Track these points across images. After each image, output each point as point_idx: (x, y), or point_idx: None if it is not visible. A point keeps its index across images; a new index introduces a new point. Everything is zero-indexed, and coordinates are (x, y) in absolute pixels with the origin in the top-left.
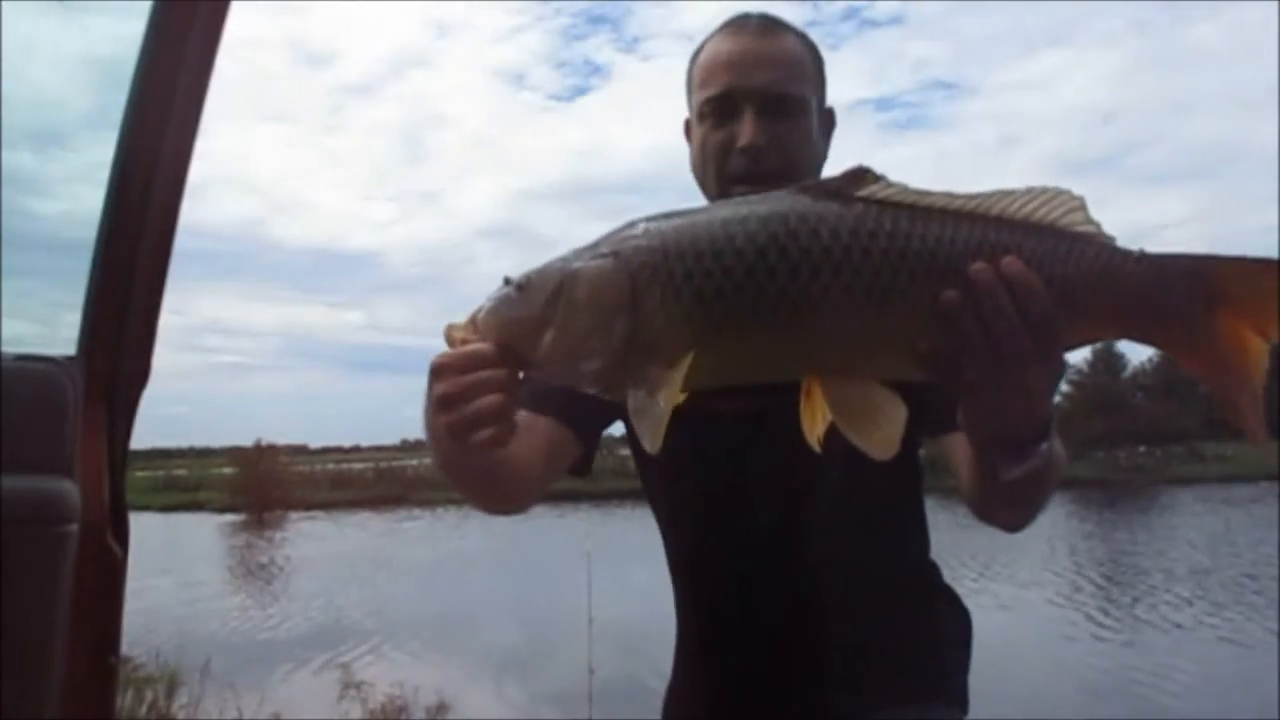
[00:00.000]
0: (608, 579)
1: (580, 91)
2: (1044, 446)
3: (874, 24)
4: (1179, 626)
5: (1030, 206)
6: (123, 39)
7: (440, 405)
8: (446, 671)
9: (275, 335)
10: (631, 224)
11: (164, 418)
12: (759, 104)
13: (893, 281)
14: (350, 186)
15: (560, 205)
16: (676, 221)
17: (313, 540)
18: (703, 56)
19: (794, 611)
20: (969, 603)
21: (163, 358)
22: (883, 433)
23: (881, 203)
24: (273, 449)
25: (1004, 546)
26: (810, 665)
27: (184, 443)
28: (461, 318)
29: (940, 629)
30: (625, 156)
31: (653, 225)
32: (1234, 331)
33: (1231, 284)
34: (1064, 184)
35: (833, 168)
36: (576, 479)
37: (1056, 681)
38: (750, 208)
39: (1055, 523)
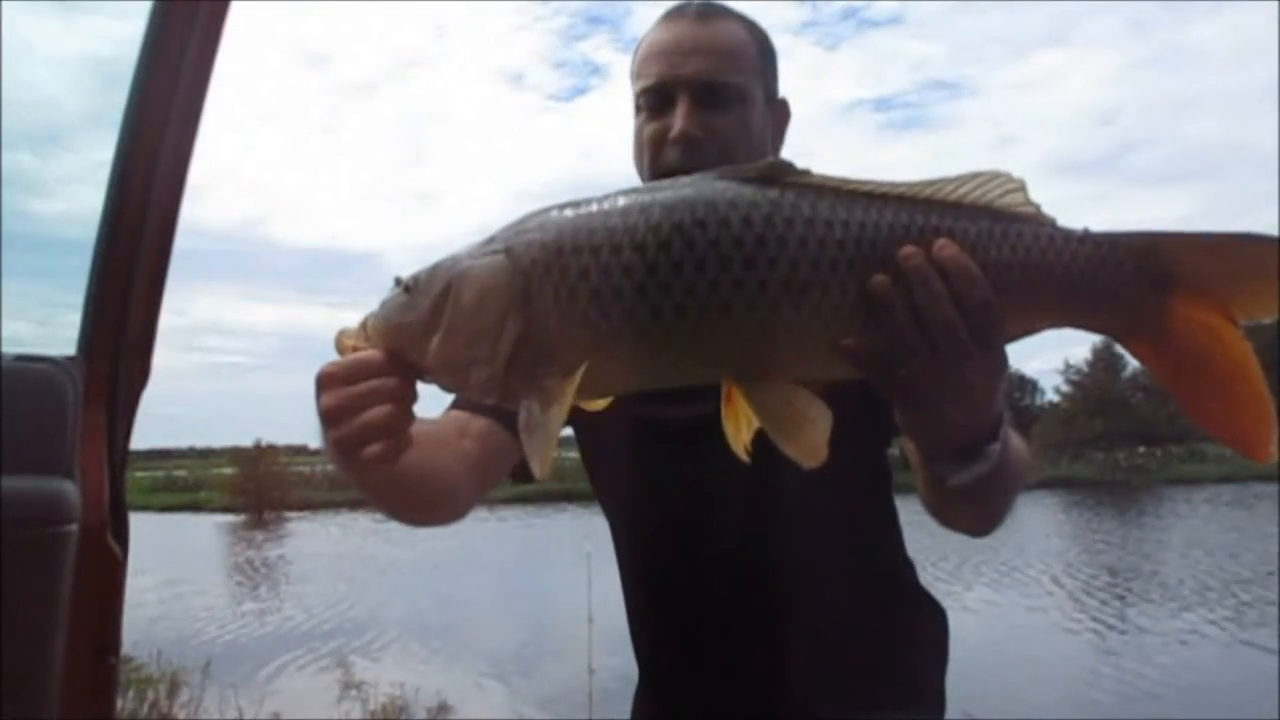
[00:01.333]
0: (608, 579)
1: (579, 92)
2: (993, 448)
3: (872, 24)
4: (1179, 627)
5: (965, 189)
6: (121, 39)
7: (325, 419)
8: (447, 672)
9: (274, 335)
10: (532, 214)
11: (164, 418)
12: (693, 93)
13: (813, 273)
14: (349, 186)
15: None
16: (577, 211)
17: (313, 540)
18: (642, 46)
19: (763, 620)
20: (967, 604)
21: (162, 358)
22: (808, 440)
23: (802, 186)
24: (272, 449)
25: (1002, 547)
26: (782, 673)
27: (184, 443)
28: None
29: (915, 632)
30: (624, 157)
31: (551, 216)
32: (1197, 318)
33: (1185, 261)
34: (1064, 184)
35: (830, 168)
36: (583, 479)
37: (1055, 682)
38: (654, 195)
39: (1055, 523)
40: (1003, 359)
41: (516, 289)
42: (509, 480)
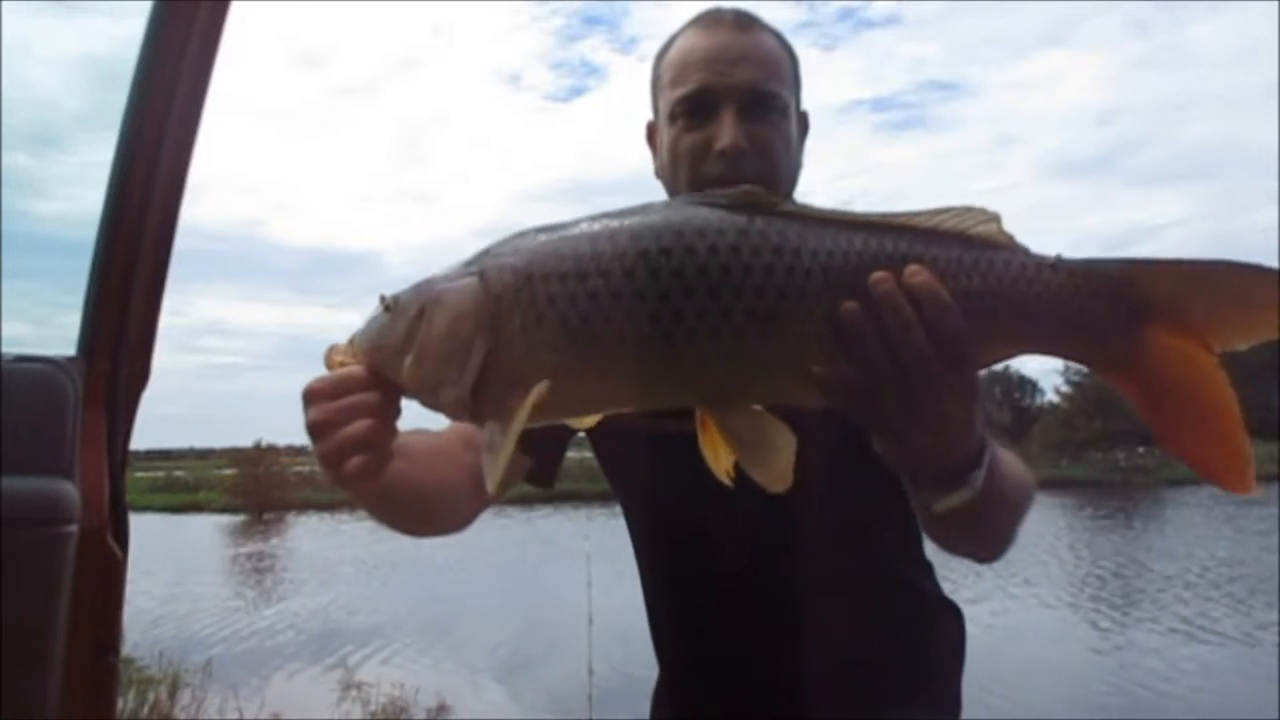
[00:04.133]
0: (608, 579)
1: (577, 92)
2: (976, 474)
3: (870, 24)
4: (1179, 627)
5: (939, 219)
6: (120, 39)
7: (311, 432)
8: (447, 672)
9: (273, 336)
10: (510, 237)
11: (164, 418)
12: (739, 103)
13: (779, 301)
14: (347, 187)
15: (557, 206)
16: (551, 236)
17: (313, 541)
18: (673, 53)
19: (781, 626)
20: (966, 605)
21: (162, 358)
22: (774, 465)
23: (772, 213)
24: (272, 450)
25: None
26: (801, 675)
27: (184, 443)
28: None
29: (932, 634)
30: (622, 157)
31: (525, 241)
32: (1174, 347)
33: (1161, 290)
34: (1062, 184)
35: (828, 167)
36: (587, 481)
37: (1055, 683)
38: (623, 221)
39: (1054, 523)
40: (975, 387)
41: (486, 313)
42: (523, 482)
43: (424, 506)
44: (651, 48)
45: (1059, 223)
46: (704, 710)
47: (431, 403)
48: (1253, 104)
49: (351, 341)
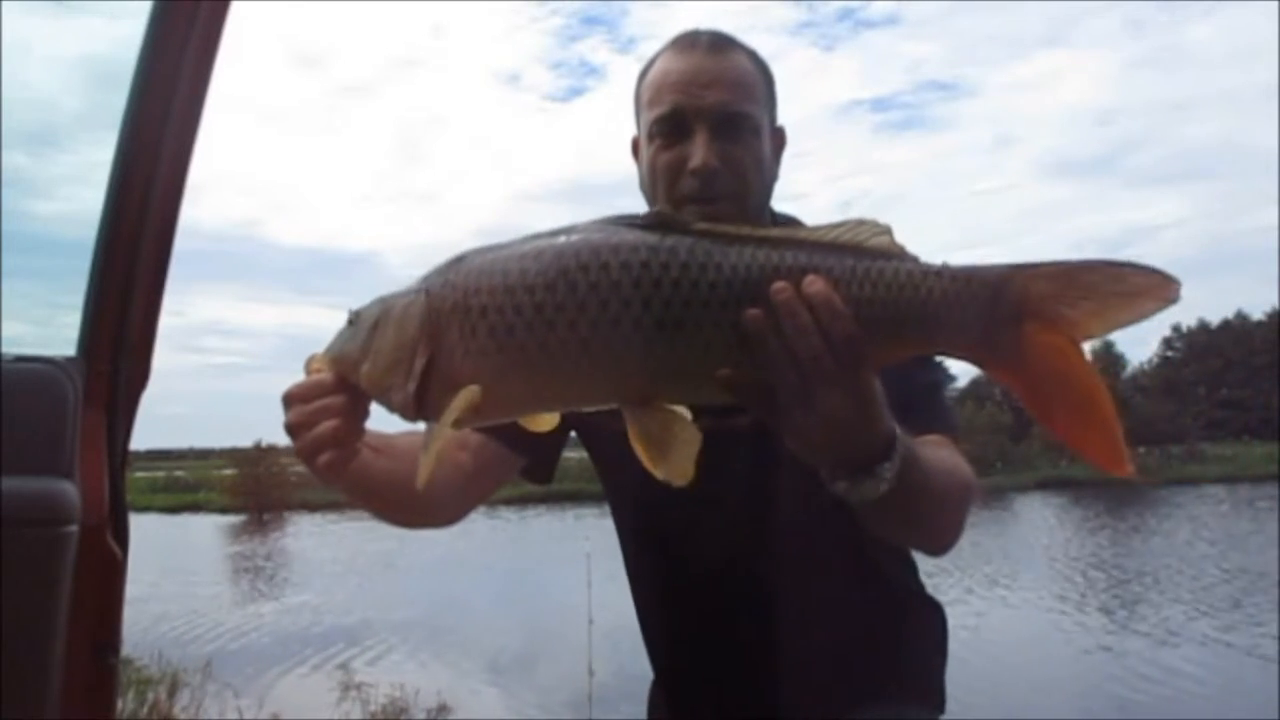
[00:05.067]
0: (608, 579)
1: (576, 92)
2: (884, 467)
3: (869, 24)
4: (1178, 628)
5: (837, 233)
6: (118, 39)
7: (288, 432)
8: (447, 672)
9: (273, 336)
10: (460, 255)
11: (164, 418)
12: (711, 124)
13: (685, 311)
14: (347, 187)
15: (556, 206)
16: (489, 256)
17: (313, 541)
18: (651, 74)
19: (766, 621)
20: (966, 605)
21: (162, 358)
22: (675, 460)
23: (684, 231)
24: (272, 450)
25: (1002, 548)
26: (786, 671)
27: (184, 443)
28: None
29: (916, 630)
30: (621, 158)
31: (466, 261)
32: (1047, 342)
33: (1032, 291)
34: (1062, 185)
35: (828, 168)
36: (586, 481)
37: (1054, 683)
38: (550, 241)
39: (1053, 523)
40: (871, 386)
41: (428, 324)
42: (521, 479)
43: (409, 500)
44: (650, 48)
45: (1058, 223)
46: (693, 708)
47: (385, 404)
48: (1253, 104)
49: (326, 351)
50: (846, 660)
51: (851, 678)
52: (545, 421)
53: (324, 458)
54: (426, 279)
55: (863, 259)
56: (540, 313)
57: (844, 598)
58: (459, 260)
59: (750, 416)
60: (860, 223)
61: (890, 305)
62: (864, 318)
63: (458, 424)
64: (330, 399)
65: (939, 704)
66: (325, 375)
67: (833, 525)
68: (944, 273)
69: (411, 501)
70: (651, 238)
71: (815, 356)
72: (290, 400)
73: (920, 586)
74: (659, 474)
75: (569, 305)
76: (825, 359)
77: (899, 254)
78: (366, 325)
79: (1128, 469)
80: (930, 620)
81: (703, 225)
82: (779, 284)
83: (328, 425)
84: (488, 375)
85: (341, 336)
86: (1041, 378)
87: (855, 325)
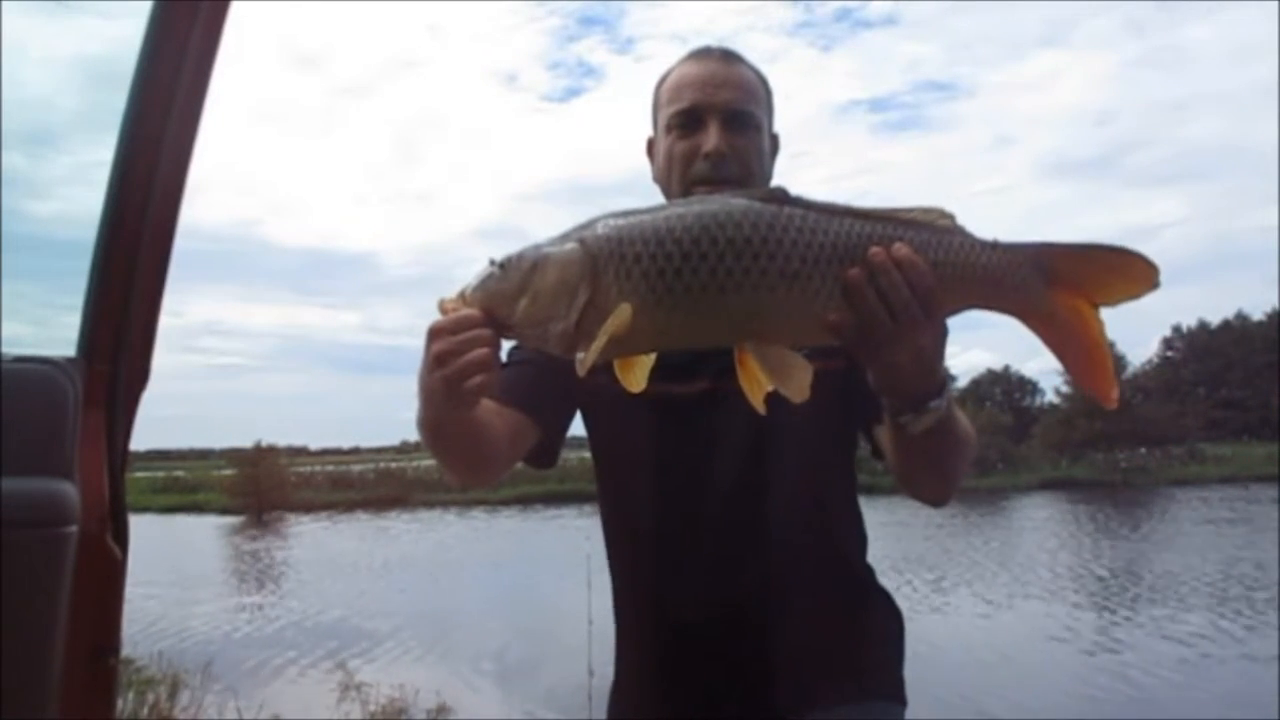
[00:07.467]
0: (608, 580)
1: (574, 93)
2: (939, 403)
3: (867, 25)
4: (1178, 629)
5: (912, 214)
6: (116, 39)
7: (436, 361)
8: (447, 672)
9: (272, 337)
10: (595, 219)
11: (163, 419)
12: (722, 117)
13: (802, 265)
14: (345, 187)
15: (554, 206)
16: (632, 217)
17: (312, 541)
18: (670, 79)
19: (737, 601)
20: (966, 605)
21: (161, 359)
22: (796, 382)
23: (795, 203)
24: (272, 450)
25: (1001, 548)
26: (749, 662)
27: (183, 444)
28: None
29: (876, 627)
30: (619, 157)
31: (611, 220)
32: (1070, 303)
33: (1062, 266)
34: (1060, 185)
35: (827, 168)
36: (586, 481)
37: (1054, 684)
38: (688, 207)
39: (1054, 524)
40: (943, 327)
41: (588, 267)
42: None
43: (479, 447)
44: (648, 48)
45: (1057, 223)
46: (663, 703)
47: (540, 336)
48: (1252, 104)
49: (462, 293)
50: (811, 656)
51: (817, 674)
52: (638, 383)
53: (474, 381)
54: (570, 236)
55: (935, 233)
56: (687, 260)
57: (813, 591)
58: (600, 220)
59: (844, 357)
60: (927, 209)
61: (958, 267)
62: (938, 275)
63: (605, 351)
64: (479, 330)
65: (901, 698)
66: (471, 311)
67: (809, 513)
68: (997, 246)
69: (483, 451)
70: (772, 207)
71: (904, 303)
72: (438, 332)
73: (882, 588)
74: (784, 391)
75: (710, 255)
76: (912, 306)
77: (961, 231)
78: (523, 268)
79: (1114, 400)
80: (889, 616)
81: (808, 201)
82: (875, 249)
83: (480, 352)
84: (636, 311)
85: (490, 279)
86: (1063, 328)
87: (935, 280)
